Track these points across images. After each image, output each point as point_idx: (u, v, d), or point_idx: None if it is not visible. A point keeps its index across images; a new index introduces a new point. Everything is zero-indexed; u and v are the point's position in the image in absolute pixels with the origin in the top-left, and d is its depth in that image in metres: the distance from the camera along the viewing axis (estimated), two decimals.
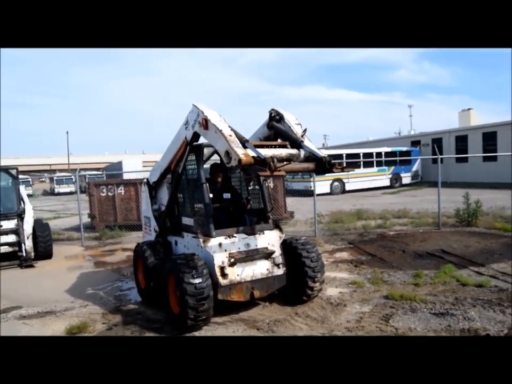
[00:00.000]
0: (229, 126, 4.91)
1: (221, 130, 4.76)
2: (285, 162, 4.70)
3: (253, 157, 4.43)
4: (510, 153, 21.74)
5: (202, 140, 5.55)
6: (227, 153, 4.59)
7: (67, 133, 61.18)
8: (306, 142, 5.18)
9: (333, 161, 4.94)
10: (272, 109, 5.68)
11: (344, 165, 5.23)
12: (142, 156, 62.82)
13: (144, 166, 31.81)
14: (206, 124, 5.02)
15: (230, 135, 4.71)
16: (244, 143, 4.79)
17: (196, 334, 5.16)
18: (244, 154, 4.44)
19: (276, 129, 5.53)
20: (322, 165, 4.94)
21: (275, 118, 5.61)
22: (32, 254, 9.93)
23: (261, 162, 4.41)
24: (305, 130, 5.35)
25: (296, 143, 5.17)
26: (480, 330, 4.83)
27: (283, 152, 4.90)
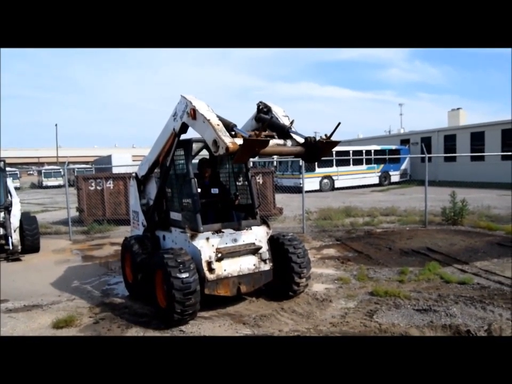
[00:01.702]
0: (217, 116, 4.97)
1: (209, 120, 4.81)
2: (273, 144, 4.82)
3: (240, 144, 4.50)
4: (497, 153, 22.11)
5: (190, 133, 5.59)
6: (215, 142, 4.65)
7: (56, 125, 60.26)
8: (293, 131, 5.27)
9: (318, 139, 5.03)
10: (260, 102, 5.73)
11: (329, 137, 5.08)
12: (131, 150, 62.48)
13: (133, 160, 31.57)
14: (194, 114, 5.06)
15: (218, 124, 4.77)
16: (232, 127, 4.92)
17: (183, 328, 5.20)
18: (231, 142, 4.51)
19: (264, 121, 5.57)
20: (309, 147, 5.02)
21: (263, 110, 5.66)
22: (19, 247, 9.87)
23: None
24: (292, 122, 5.40)
25: (283, 131, 5.25)
26: (461, 326, 4.93)
27: (270, 142, 4.97)
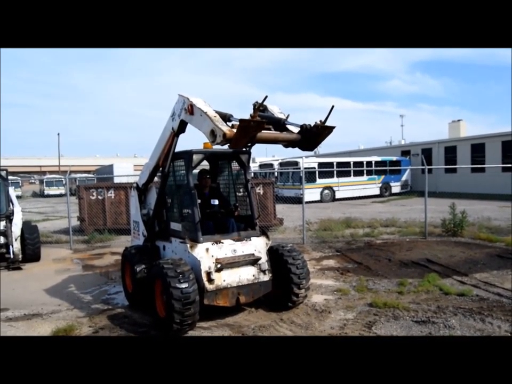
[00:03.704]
0: (214, 110, 5.10)
1: (206, 112, 4.96)
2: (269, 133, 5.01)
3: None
4: (497, 165, 22.16)
5: (188, 134, 5.72)
6: (212, 132, 4.77)
7: (58, 134, 60.69)
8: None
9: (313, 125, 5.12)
10: (256, 102, 5.81)
11: (324, 122, 5.15)
12: (133, 159, 62.80)
13: (135, 170, 31.74)
14: (191, 109, 5.21)
15: (215, 116, 4.91)
16: (229, 118, 5.09)
17: None
18: (228, 129, 4.65)
19: (261, 118, 5.65)
20: (305, 134, 5.12)
21: (259, 109, 5.74)
22: (20, 256, 9.90)
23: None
24: (287, 116, 5.48)
25: (279, 124, 5.36)
26: None
27: (265, 132, 5.09)
